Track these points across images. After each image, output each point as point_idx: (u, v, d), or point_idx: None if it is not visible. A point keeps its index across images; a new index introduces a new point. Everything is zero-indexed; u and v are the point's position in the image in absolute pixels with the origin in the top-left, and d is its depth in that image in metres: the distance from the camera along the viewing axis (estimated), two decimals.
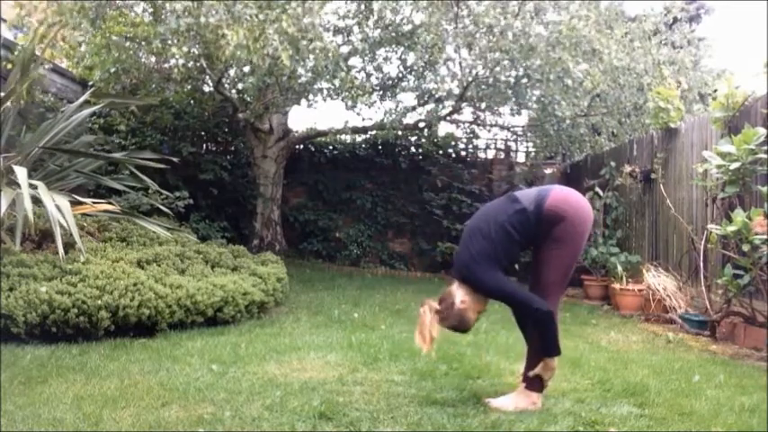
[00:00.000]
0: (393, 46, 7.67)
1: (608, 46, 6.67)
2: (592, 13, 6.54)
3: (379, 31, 7.28)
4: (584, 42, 6.50)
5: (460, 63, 7.63)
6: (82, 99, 5.44)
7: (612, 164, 7.31)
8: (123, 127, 7.70)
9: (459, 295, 2.78)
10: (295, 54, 5.88)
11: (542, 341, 2.76)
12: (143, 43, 6.97)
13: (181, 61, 6.97)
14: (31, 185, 3.85)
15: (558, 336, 2.74)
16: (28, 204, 3.63)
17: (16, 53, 6.07)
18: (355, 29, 7.61)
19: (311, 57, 6.11)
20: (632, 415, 2.78)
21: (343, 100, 7.56)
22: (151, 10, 6.81)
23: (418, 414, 2.69)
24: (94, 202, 4.79)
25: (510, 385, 3.12)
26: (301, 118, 21.96)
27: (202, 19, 5.59)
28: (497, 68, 7.20)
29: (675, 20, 8.33)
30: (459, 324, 2.81)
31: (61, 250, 3.77)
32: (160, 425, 2.48)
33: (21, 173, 3.82)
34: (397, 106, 8.49)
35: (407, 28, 7.16)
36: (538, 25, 6.66)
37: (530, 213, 2.74)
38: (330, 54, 6.12)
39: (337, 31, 7.77)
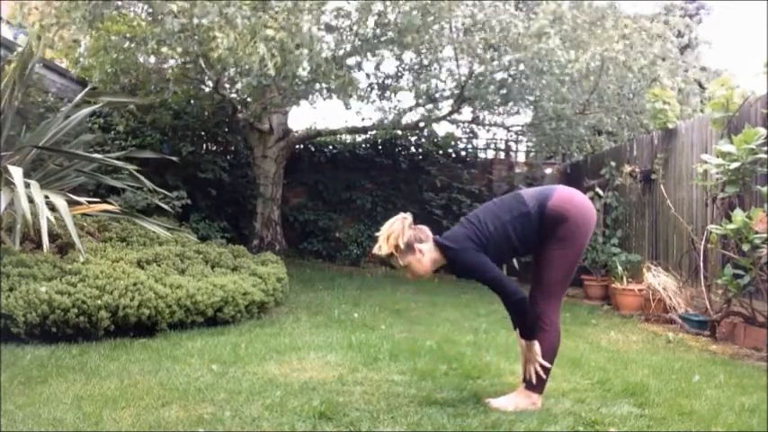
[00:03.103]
0: (390, 46, 7.66)
1: (600, 42, 6.62)
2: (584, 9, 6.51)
3: (377, 30, 7.25)
4: (570, 32, 6.44)
5: (457, 61, 7.61)
6: (77, 98, 5.43)
7: (612, 164, 7.31)
8: (122, 127, 7.69)
9: (426, 247, 2.76)
10: (284, 59, 5.78)
11: (521, 326, 2.78)
12: (139, 43, 6.94)
13: (173, 61, 6.93)
14: (26, 185, 3.84)
15: (532, 322, 2.74)
16: (25, 204, 3.62)
17: (15, 53, 6.06)
18: (353, 28, 7.59)
19: (305, 63, 6.03)
20: (632, 415, 2.78)
21: (341, 98, 7.54)
22: (150, 10, 6.78)
23: (418, 414, 2.68)
24: (90, 202, 4.78)
25: (510, 385, 3.12)
26: (301, 118, 21.83)
27: (195, 20, 5.54)
28: (489, 67, 7.16)
29: (669, 12, 8.29)
30: (397, 251, 2.72)
31: (46, 243, 3.71)
32: (160, 425, 2.48)
33: (16, 173, 3.81)
34: (395, 106, 8.48)
35: (402, 25, 7.12)
36: (526, 20, 6.60)
37: (532, 216, 2.75)
38: (323, 55, 6.05)
39: (330, 30, 7.75)
